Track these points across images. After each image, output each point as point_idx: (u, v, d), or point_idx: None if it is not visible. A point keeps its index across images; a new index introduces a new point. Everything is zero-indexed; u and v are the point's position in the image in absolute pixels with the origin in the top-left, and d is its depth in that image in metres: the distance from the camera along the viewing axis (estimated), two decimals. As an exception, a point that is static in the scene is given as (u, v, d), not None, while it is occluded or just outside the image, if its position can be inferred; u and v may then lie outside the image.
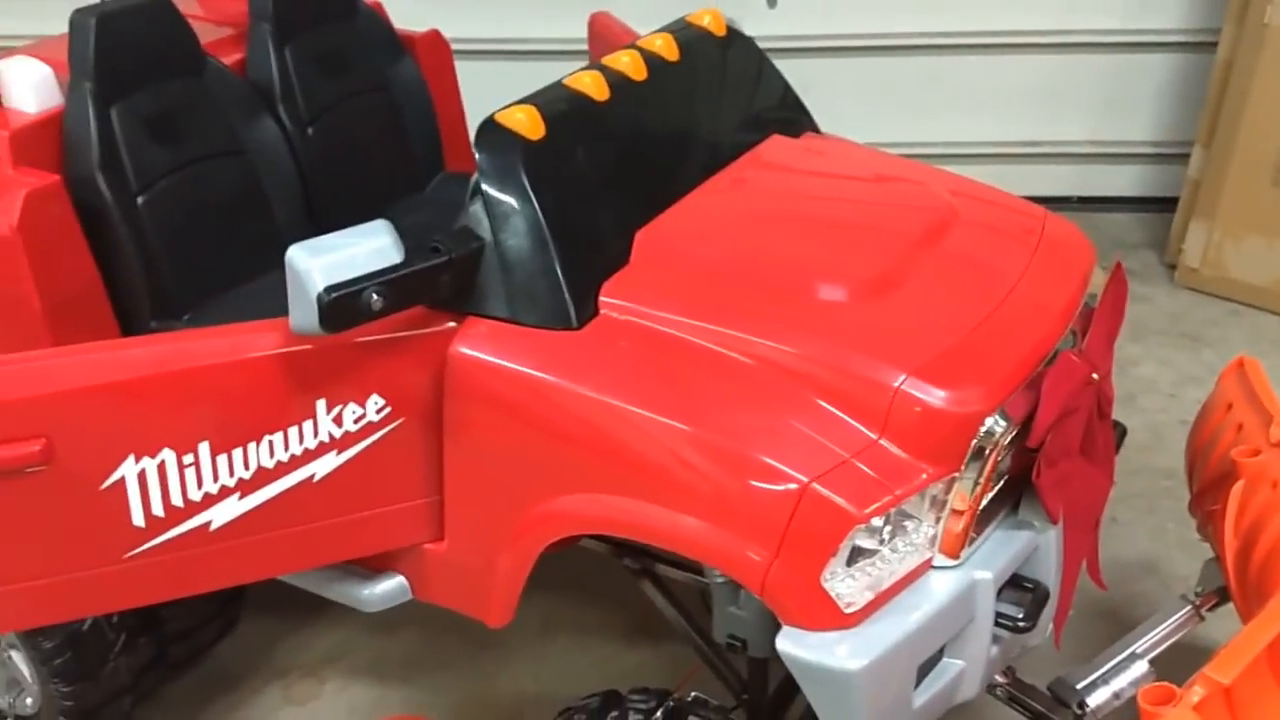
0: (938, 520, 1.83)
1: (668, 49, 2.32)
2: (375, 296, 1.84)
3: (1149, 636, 2.38)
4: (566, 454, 1.92)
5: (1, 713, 2.89)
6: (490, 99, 3.47)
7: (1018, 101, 5.00)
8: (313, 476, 2.05)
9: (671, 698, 2.06)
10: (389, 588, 2.24)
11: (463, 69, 3.38)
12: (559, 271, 1.92)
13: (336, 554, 2.16)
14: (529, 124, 1.98)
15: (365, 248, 1.85)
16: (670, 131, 2.26)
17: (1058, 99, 4.99)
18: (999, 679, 2.16)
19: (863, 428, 1.79)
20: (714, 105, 2.36)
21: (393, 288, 1.85)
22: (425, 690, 3.10)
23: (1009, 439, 1.84)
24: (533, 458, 1.95)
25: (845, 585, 1.77)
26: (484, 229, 1.96)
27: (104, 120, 2.42)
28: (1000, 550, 1.91)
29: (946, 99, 4.96)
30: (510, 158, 1.96)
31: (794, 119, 2.52)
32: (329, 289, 1.80)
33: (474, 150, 1.98)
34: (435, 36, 3.22)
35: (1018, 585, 1.95)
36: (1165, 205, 5.00)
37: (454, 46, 3.33)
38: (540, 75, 3.37)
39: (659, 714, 2.00)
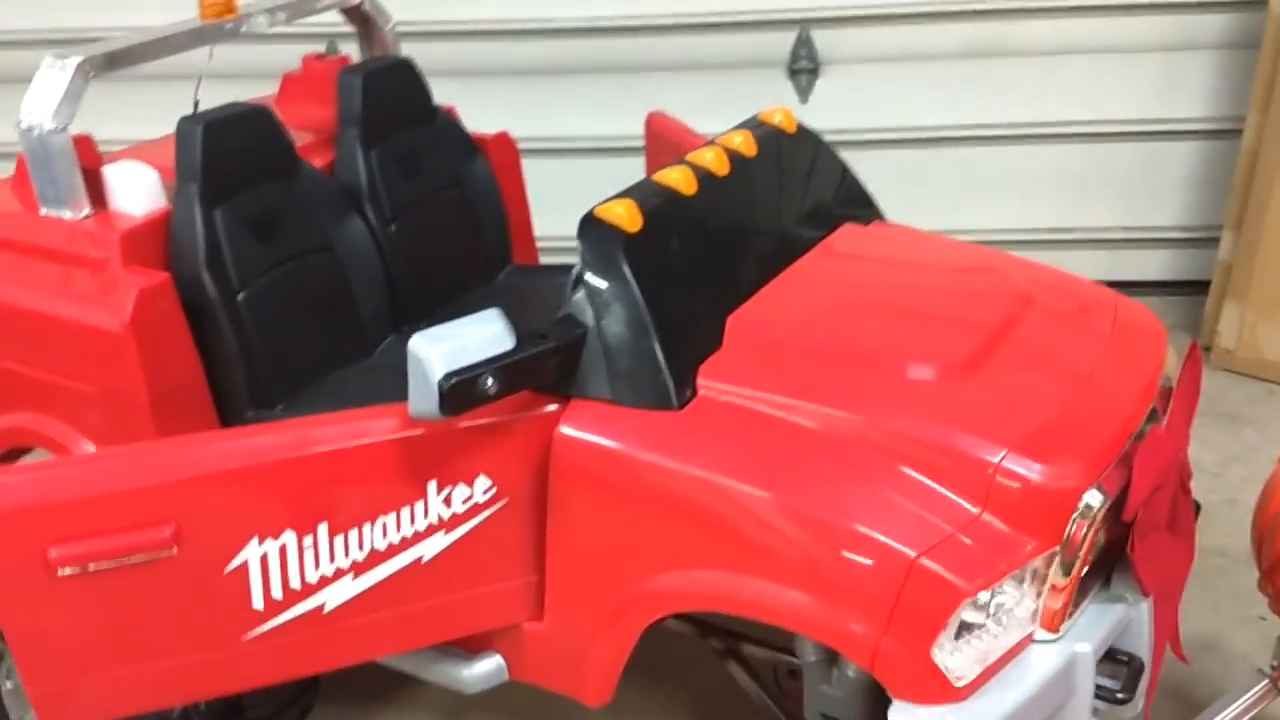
0: (1038, 595, 1.89)
1: (746, 145, 2.44)
2: (490, 381, 1.94)
3: (1229, 710, 2.42)
4: (670, 532, 1.99)
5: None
6: (549, 194, 3.65)
7: (1048, 189, 5.13)
8: (421, 557, 2.12)
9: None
10: (488, 668, 2.30)
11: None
12: (659, 355, 2.01)
13: (441, 634, 2.22)
14: (628, 217, 2.10)
15: (480, 335, 1.95)
16: (752, 222, 2.37)
17: (1087, 186, 5.12)
18: None
19: (965, 503, 1.87)
20: (790, 197, 2.48)
21: (505, 373, 1.94)
22: (495, 777, 3.11)
23: (1105, 513, 1.90)
24: (636, 536, 2.02)
25: (954, 659, 1.83)
26: (587, 316, 2.06)
27: (209, 221, 2.54)
28: (1096, 624, 1.97)
29: (978, 188, 5.10)
30: (612, 249, 2.07)
31: (863, 208, 2.64)
32: (448, 375, 1.89)
33: (579, 241, 2.09)
34: (504, 138, 3.37)
35: (1112, 658, 2.00)
36: (1196, 288, 5.09)
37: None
38: (596, 171, 3.52)
39: None
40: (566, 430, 2.05)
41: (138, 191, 2.60)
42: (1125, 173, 5.12)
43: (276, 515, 2.02)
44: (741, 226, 2.33)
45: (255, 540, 2.02)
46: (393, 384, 2.64)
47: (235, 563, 2.02)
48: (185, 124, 2.56)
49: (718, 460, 1.95)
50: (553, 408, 2.10)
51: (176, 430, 2.49)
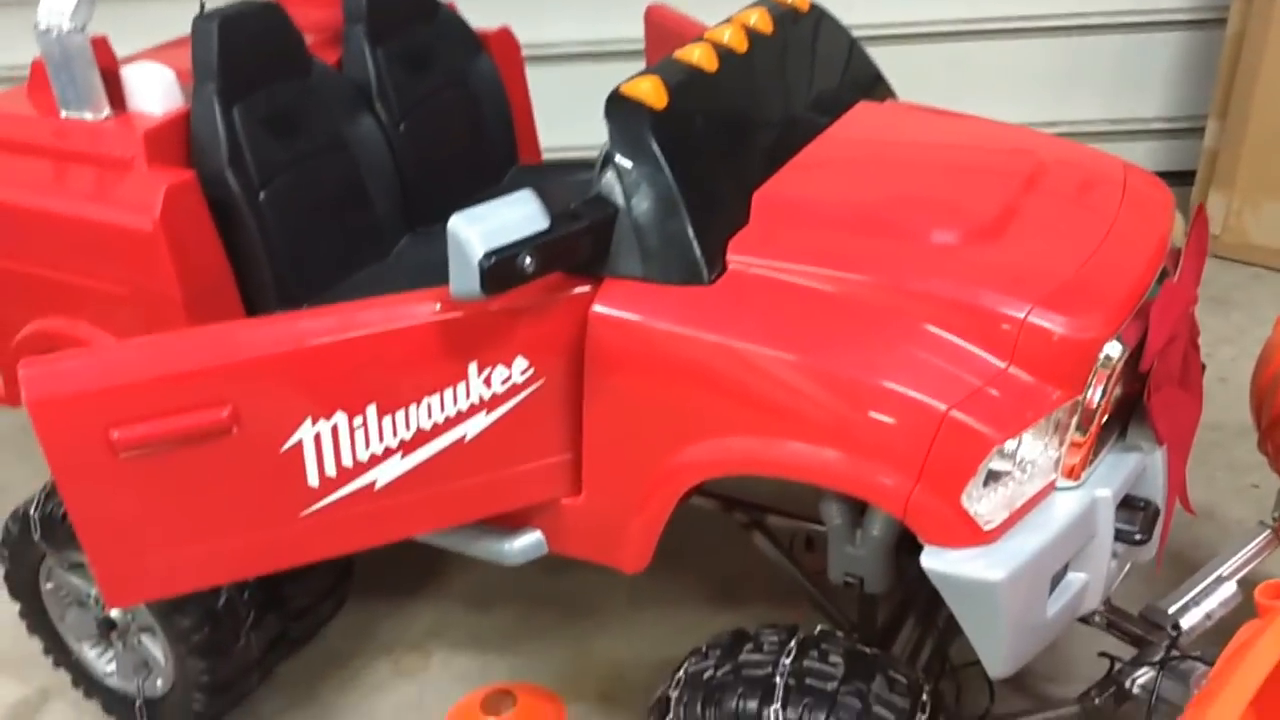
0: (1061, 443, 1.99)
1: (763, 22, 2.48)
2: (528, 260, 1.99)
3: (1234, 561, 2.55)
4: (706, 402, 2.07)
5: (129, 696, 3.02)
6: (546, 104, 3.67)
7: (1034, 83, 5.18)
8: (464, 436, 2.19)
9: (800, 631, 2.20)
10: (528, 542, 2.39)
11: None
12: (690, 231, 2.07)
13: (483, 510, 2.30)
14: (654, 94, 2.14)
15: (516, 215, 2.00)
16: (773, 99, 2.42)
17: (1072, 80, 5.18)
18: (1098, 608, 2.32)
19: (991, 357, 1.95)
20: (807, 74, 2.53)
21: (542, 251, 2.00)
22: (525, 658, 3.24)
23: (1124, 363, 2.00)
24: (672, 408, 2.10)
25: (983, 505, 1.93)
26: (616, 196, 2.11)
27: (229, 119, 2.56)
28: (1115, 471, 2.07)
29: (965, 83, 5.13)
30: (640, 127, 2.11)
31: (877, 87, 2.69)
32: (489, 254, 1.95)
33: (606, 120, 2.13)
34: (506, 34, 3.38)
35: (1129, 504, 2.11)
36: (1183, 178, 5.17)
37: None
38: (588, 76, 3.52)
39: (791, 644, 2.14)
40: (601, 309, 2.11)
41: (156, 91, 2.62)
42: (1110, 65, 5.18)
43: (328, 396, 2.09)
44: (763, 103, 2.38)
45: (309, 420, 2.09)
46: (413, 282, 2.69)
47: (290, 442, 2.09)
48: (200, 22, 2.57)
49: (751, 330, 2.03)
50: (585, 288, 2.16)
51: (209, 327, 2.54)
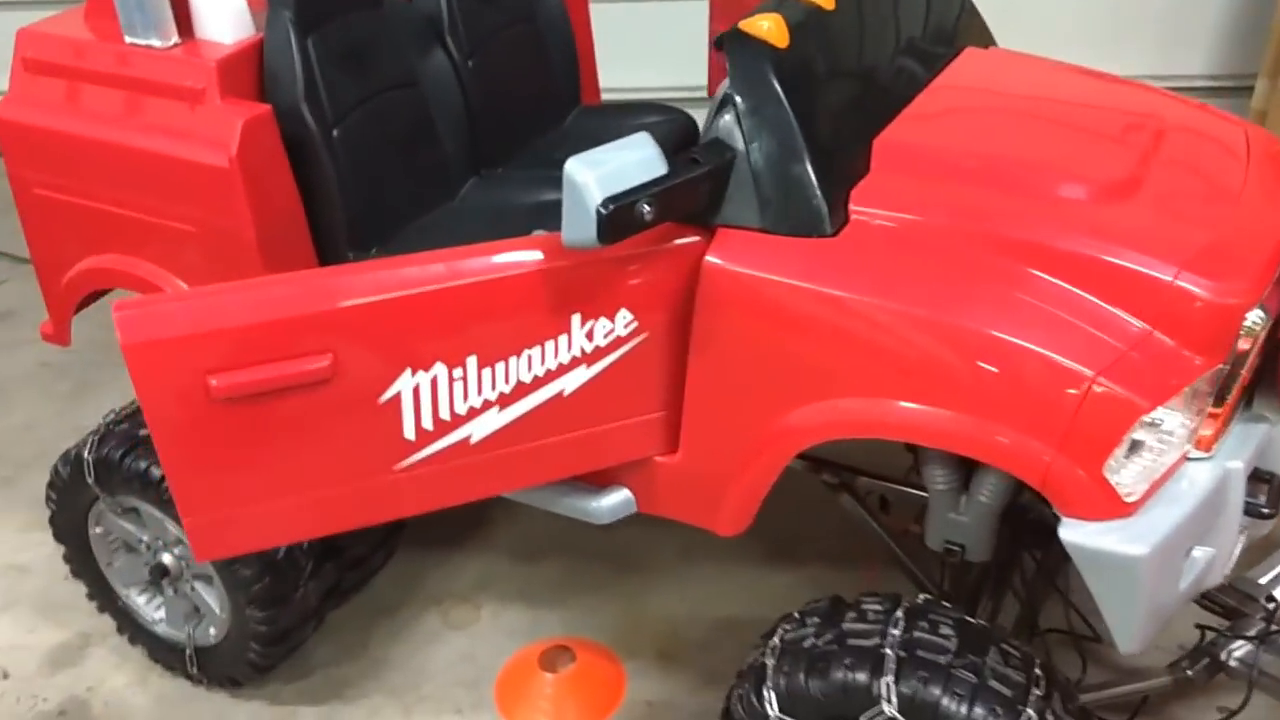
0: (1198, 413, 1.92)
1: None
2: (646, 208, 1.89)
3: None
4: (828, 361, 1.98)
5: (178, 643, 2.95)
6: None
7: (1081, 38, 5.04)
8: (563, 391, 2.11)
9: (904, 600, 2.13)
10: (617, 500, 2.31)
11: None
12: (814, 178, 1.97)
13: (576, 467, 2.22)
14: (776, 32, 2.02)
15: (634, 159, 1.89)
16: (887, 41, 2.30)
17: (1116, 34, 5.06)
18: None
19: (1136, 321, 1.87)
20: (919, 16, 2.41)
21: (661, 199, 1.90)
22: (577, 612, 3.18)
23: (1266, 331, 1.92)
24: (790, 366, 2.01)
25: (1124, 475, 1.86)
26: (735, 139, 2.01)
27: (304, 50, 2.44)
28: (1244, 443, 2.01)
29: (1011, 38, 5.01)
30: (762, 66, 2.00)
31: (980, 33, 2.58)
32: (607, 201, 1.85)
33: (726, 58, 2.02)
34: (574, -31, 3.25)
35: (1255, 477, 2.04)
36: (1229, 138, 5.09)
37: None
38: (645, 16, 3.38)
39: (898, 614, 2.08)
40: (715, 260, 2.02)
41: (226, 18, 2.49)
42: (1158, 20, 5.05)
43: (429, 346, 2.00)
44: (878, 45, 2.27)
45: (408, 371, 2.00)
46: (484, 228, 2.60)
47: (389, 393, 2.01)
48: None
49: (878, 285, 1.94)
50: (694, 239, 2.07)
51: (282, 269, 2.44)
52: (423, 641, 3.14)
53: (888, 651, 2.03)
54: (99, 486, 2.74)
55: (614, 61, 3.62)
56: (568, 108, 3.24)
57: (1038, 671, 2.05)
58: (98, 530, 2.92)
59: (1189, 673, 2.39)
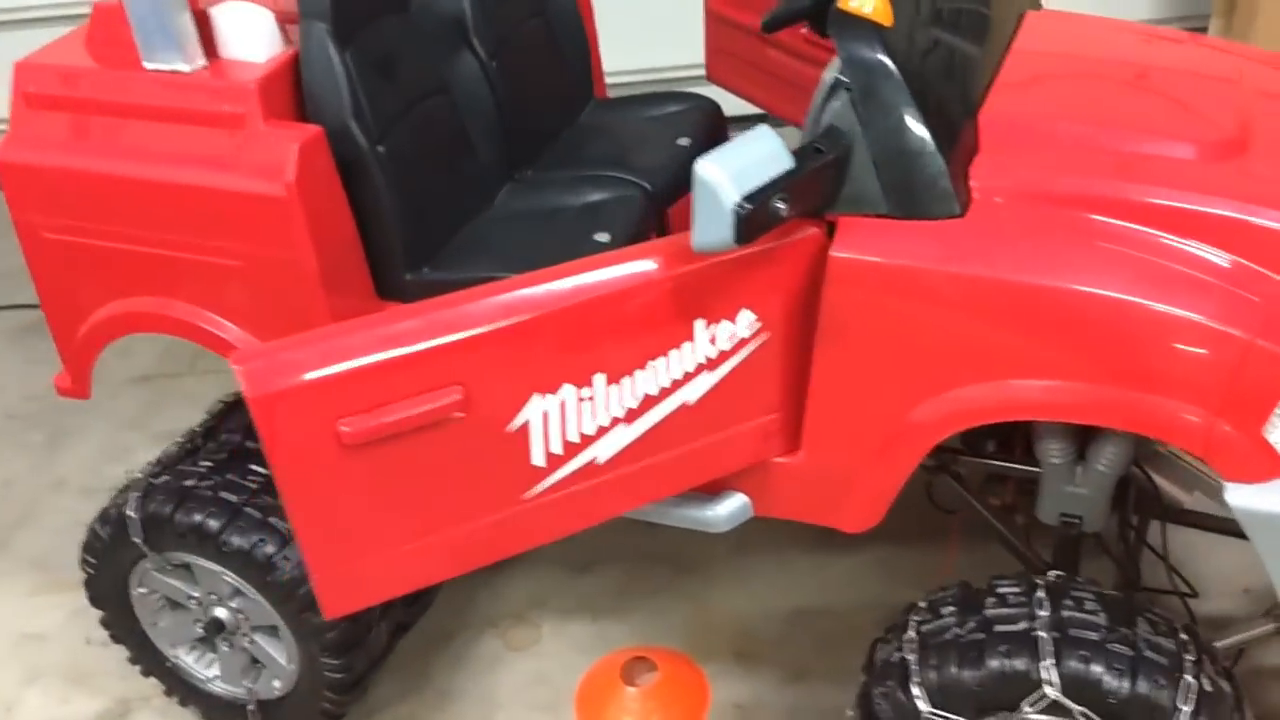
0: None
1: None
2: (781, 204, 1.82)
3: None
4: (971, 343, 1.93)
5: (237, 699, 2.80)
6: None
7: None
8: (687, 400, 2.02)
9: (1042, 579, 2.11)
10: (734, 506, 2.24)
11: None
12: (940, 159, 1.91)
13: (698, 477, 2.14)
14: (882, 10, 1.95)
15: (760, 155, 1.82)
16: (966, 13, 2.25)
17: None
18: None
19: (1277, 277, 1.86)
20: None
21: (794, 193, 1.83)
22: (642, 619, 3.11)
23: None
24: (931, 353, 1.95)
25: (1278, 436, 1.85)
26: (850, 124, 1.94)
27: (344, 65, 2.29)
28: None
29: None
30: (875, 46, 1.93)
31: None
32: (745, 199, 1.76)
33: (835, 40, 1.94)
34: (576, -43, 3.13)
35: None
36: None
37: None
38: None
39: (1041, 595, 2.05)
40: (843, 254, 1.94)
41: (256, 35, 2.33)
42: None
43: (556, 368, 1.89)
44: (960, 17, 2.21)
45: (536, 396, 1.89)
46: (539, 235, 2.50)
47: (518, 421, 1.90)
48: None
49: (1018, 262, 1.89)
50: (812, 230, 2.00)
51: (343, 300, 2.30)
52: (486, 668, 3.03)
53: (1041, 634, 2.00)
54: (148, 545, 2.58)
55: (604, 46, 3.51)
56: (583, 102, 3.13)
57: (1184, 636, 2.04)
58: (141, 590, 2.75)
59: (1291, 620, 2.41)
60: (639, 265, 1.91)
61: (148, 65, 2.31)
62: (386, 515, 1.90)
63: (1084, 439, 2.22)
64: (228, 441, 2.72)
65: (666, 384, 1.99)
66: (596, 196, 2.65)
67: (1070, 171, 1.99)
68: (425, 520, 1.93)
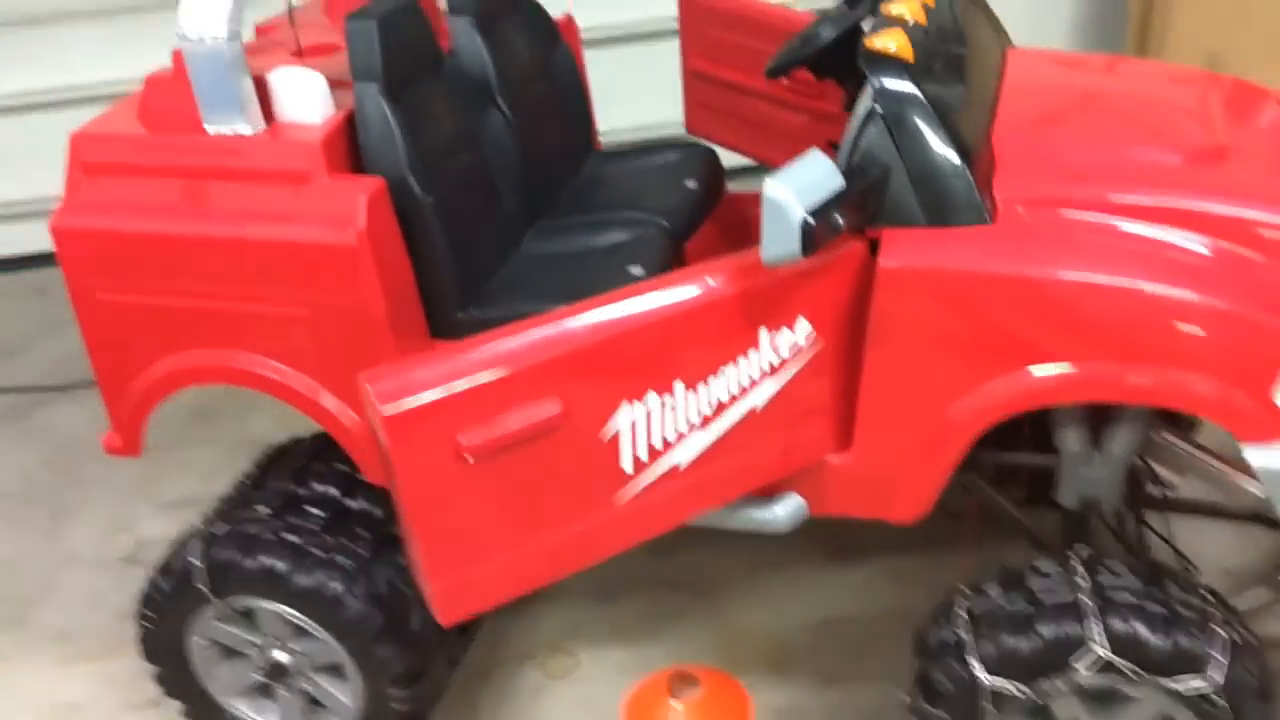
0: None
1: None
2: (839, 219, 2.02)
3: None
4: (1010, 335, 2.13)
5: (298, 744, 2.86)
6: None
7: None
8: (755, 405, 2.20)
9: (1075, 555, 2.31)
10: (793, 507, 2.41)
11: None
12: (969, 174, 2.14)
13: (762, 479, 2.31)
14: (905, 48, 2.19)
15: (817, 175, 2.02)
16: (968, 49, 2.50)
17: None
18: None
19: (1273, 264, 2.11)
20: (978, 21, 2.63)
21: (849, 208, 2.04)
22: (674, 641, 3.24)
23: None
24: (973, 347, 2.16)
25: (1283, 398, 2.09)
26: (887, 150, 2.16)
27: (398, 121, 2.46)
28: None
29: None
30: (902, 80, 2.17)
31: (1004, 33, 2.82)
32: (809, 214, 1.97)
33: (868, 76, 2.17)
34: (570, 21, 3.35)
35: None
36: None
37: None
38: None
39: (1078, 567, 2.26)
40: (891, 263, 2.15)
41: (311, 98, 2.48)
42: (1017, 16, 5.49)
43: (642, 377, 2.06)
44: (965, 54, 2.46)
45: (625, 403, 2.05)
46: (567, 271, 2.69)
47: (610, 429, 2.05)
48: (356, 22, 2.45)
49: (1048, 260, 2.11)
50: (859, 243, 2.21)
51: (405, 341, 2.44)
52: (530, 698, 3.13)
53: (1085, 600, 2.20)
54: (213, 592, 2.65)
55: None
56: (586, 153, 3.33)
57: (1209, 595, 2.26)
58: (199, 641, 2.81)
59: (1290, 579, 2.65)
60: (711, 281, 2.10)
61: (210, 129, 2.45)
62: (497, 523, 2.03)
63: (1098, 427, 2.44)
64: (279, 489, 2.81)
65: (736, 391, 2.17)
66: (620, 236, 2.84)
67: (1079, 181, 2.24)
68: (530, 527, 2.08)
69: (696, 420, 2.15)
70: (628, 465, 2.11)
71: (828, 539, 3.33)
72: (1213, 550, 3.14)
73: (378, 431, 1.96)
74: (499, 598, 2.15)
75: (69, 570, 3.75)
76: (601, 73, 3.68)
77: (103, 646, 3.43)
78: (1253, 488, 2.45)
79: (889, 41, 2.20)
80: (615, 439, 2.08)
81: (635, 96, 4.30)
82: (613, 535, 2.16)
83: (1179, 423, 2.74)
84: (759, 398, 2.20)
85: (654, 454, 2.13)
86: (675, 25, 3.60)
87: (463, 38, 2.89)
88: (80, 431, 4.35)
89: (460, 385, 1.92)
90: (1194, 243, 2.14)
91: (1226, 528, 3.09)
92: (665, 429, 2.12)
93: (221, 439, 4.30)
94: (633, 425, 2.08)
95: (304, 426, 4.00)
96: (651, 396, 2.08)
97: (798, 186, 1.98)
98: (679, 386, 2.11)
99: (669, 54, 3.75)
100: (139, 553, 3.77)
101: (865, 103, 2.18)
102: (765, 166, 3.58)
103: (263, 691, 2.89)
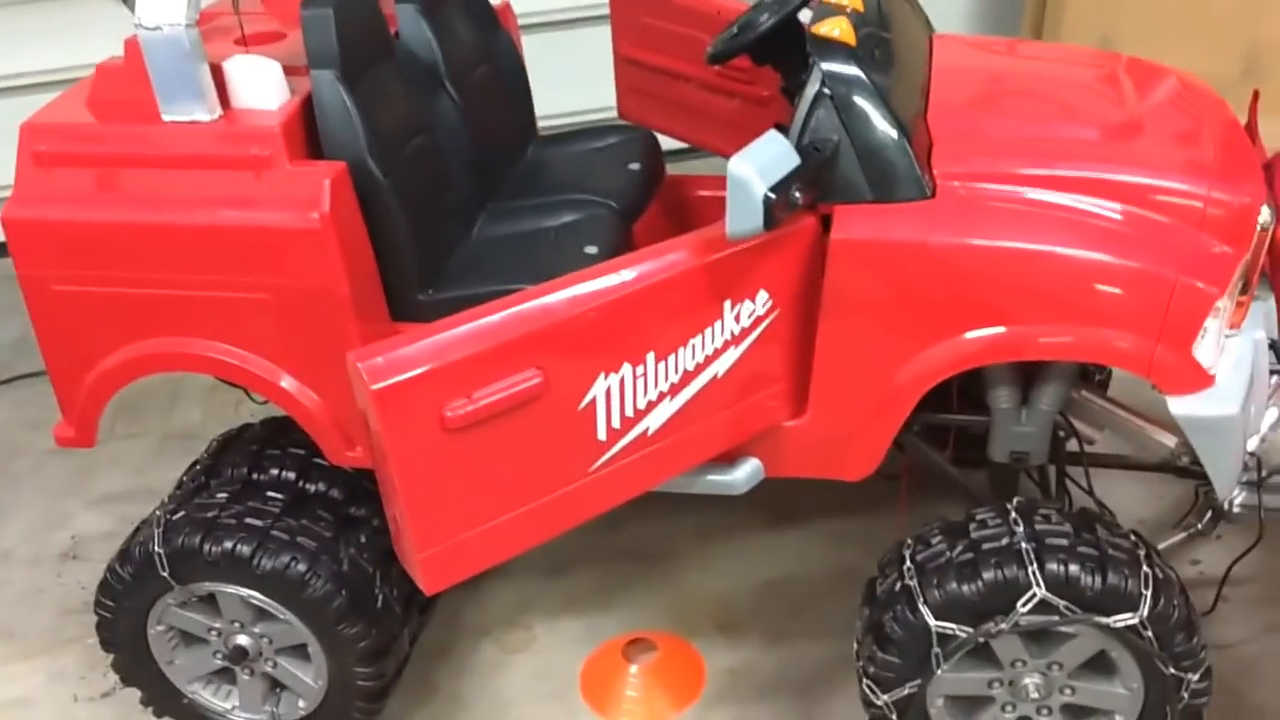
0: (1232, 297, 2.37)
1: None
2: (797, 194, 2.15)
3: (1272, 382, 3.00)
4: (954, 302, 2.28)
5: (264, 726, 2.90)
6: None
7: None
8: (717, 373, 2.32)
9: (1011, 504, 2.48)
10: (751, 469, 2.54)
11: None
12: (911, 151, 2.29)
13: (724, 443, 2.43)
14: (848, 33, 2.33)
15: (774, 154, 2.14)
16: (900, 34, 2.64)
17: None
18: None
19: (1189, 229, 2.30)
20: (908, 14, 2.77)
21: (805, 184, 2.16)
22: (628, 610, 3.35)
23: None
24: (919, 314, 2.30)
25: (1202, 354, 2.28)
26: (835, 128, 2.29)
27: (355, 106, 2.51)
28: (1257, 318, 2.49)
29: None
30: (848, 63, 2.30)
31: (929, 21, 2.98)
32: (771, 189, 2.09)
33: (816, 61, 2.30)
34: (506, 8, 3.42)
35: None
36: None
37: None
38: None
39: (1014, 516, 2.43)
40: (843, 235, 2.28)
41: (267, 85, 2.51)
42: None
43: (617, 349, 2.16)
44: (897, 38, 2.60)
45: (602, 375, 2.15)
46: (523, 251, 2.77)
47: (586, 399, 2.15)
48: (311, 9, 2.49)
49: (989, 230, 2.27)
50: (809, 220, 2.34)
51: (368, 324, 2.50)
52: (489, 672, 3.21)
53: (1023, 545, 2.37)
54: (174, 578, 2.67)
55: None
56: (528, 138, 3.40)
57: (1134, 537, 2.45)
58: (158, 629, 2.83)
59: (1199, 526, 2.88)
60: (681, 255, 2.21)
61: (167, 117, 2.46)
62: (480, 492, 2.12)
63: (1026, 385, 2.62)
64: (235, 474, 2.84)
65: (701, 359, 2.28)
66: (571, 216, 2.93)
67: (1010, 157, 2.40)
68: (511, 495, 2.16)
69: (665, 389, 2.26)
70: (601, 434, 2.21)
71: (769, 504, 3.46)
72: (1127, 500, 3.36)
73: (366, 408, 2.02)
74: (480, 565, 2.24)
75: (5, 568, 3.70)
76: (533, 58, 3.74)
77: (47, 642, 3.40)
78: (1164, 439, 2.65)
79: (834, 28, 2.32)
80: (592, 409, 2.18)
81: (566, 82, 4.37)
82: (587, 501, 2.26)
83: (1094, 380, 2.94)
84: (722, 366, 2.32)
85: (626, 422, 2.23)
86: (605, 11, 3.68)
87: (409, 24, 2.94)
88: (5, 431, 4.27)
89: (445, 360, 2.00)
90: (1115, 211, 2.32)
91: (1138, 478, 3.31)
92: (637, 398, 2.23)
93: (150, 432, 4.26)
94: (608, 394, 2.18)
95: (232, 419, 4.01)
96: (626, 368, 2.18)
97: (759, 165, 2.10)
98: (650, 357, 2.21)
99: (598, 39, 3.83)
100: (76, 548, 3.73)
101: (813, 86, 2.30)
102: (698, 150, 3.70)
103: (223, 676, 2.91)
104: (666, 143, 3.53)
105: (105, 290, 2.56)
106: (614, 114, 3.79)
